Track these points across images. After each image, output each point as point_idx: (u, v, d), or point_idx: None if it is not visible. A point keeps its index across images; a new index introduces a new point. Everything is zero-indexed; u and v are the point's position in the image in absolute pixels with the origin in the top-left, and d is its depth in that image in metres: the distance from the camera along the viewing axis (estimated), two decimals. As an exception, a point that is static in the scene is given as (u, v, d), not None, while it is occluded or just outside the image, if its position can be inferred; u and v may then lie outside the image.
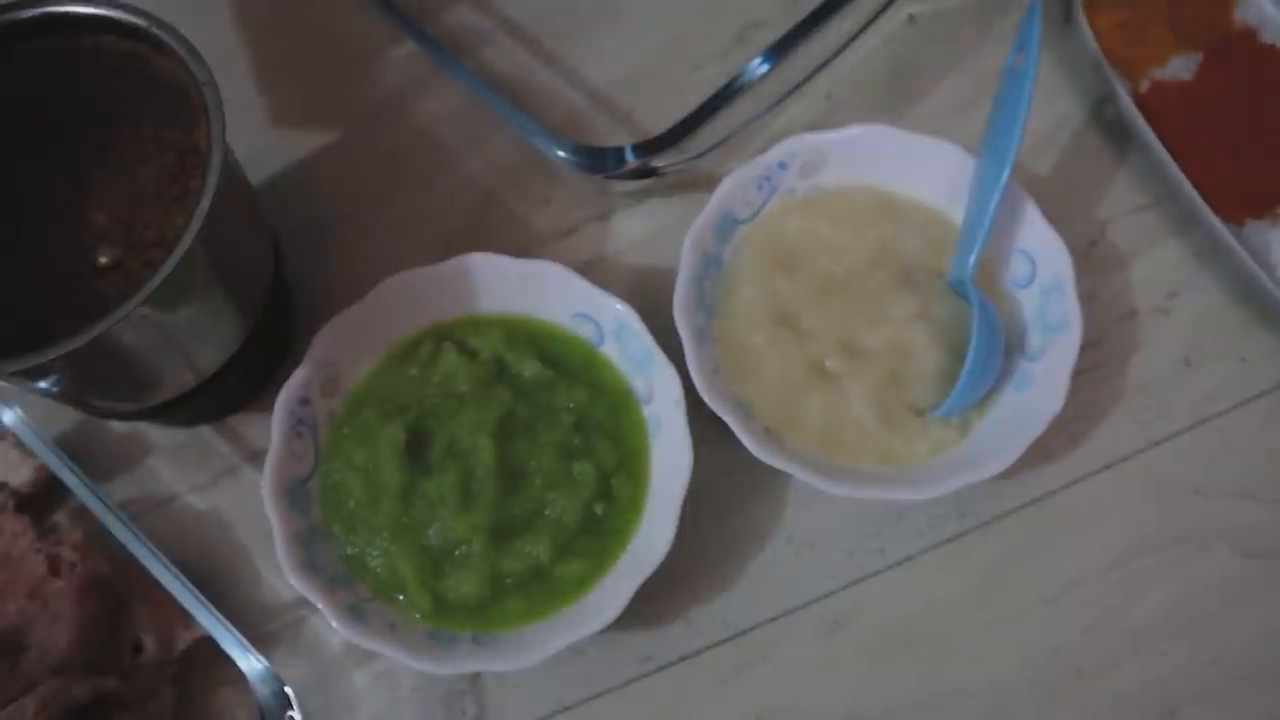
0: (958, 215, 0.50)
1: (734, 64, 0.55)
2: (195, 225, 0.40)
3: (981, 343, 0.46)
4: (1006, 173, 0.46)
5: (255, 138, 0.56)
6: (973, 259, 0.47)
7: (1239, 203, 0.52)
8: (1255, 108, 0.54)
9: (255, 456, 0.52)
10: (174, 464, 0.52)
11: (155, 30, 0.43)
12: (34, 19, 0.44)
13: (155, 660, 0.46)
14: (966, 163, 0.49)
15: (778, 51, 0.52)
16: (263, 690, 0.42)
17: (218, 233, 0.42)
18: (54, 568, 0.46)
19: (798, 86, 0.55)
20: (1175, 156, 0.51)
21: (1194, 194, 0.51)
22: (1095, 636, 0.47)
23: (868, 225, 0.50)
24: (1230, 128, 0.54)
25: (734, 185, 0.49)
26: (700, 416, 0.46)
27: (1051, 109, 0.56)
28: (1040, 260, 0.49)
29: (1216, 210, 0.51)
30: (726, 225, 0.49)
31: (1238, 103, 0.54)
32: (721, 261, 0.49)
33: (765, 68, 0.51)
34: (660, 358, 0.46)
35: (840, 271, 0.49)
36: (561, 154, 0.49)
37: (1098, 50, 0.54)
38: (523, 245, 0.54)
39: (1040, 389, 0.47)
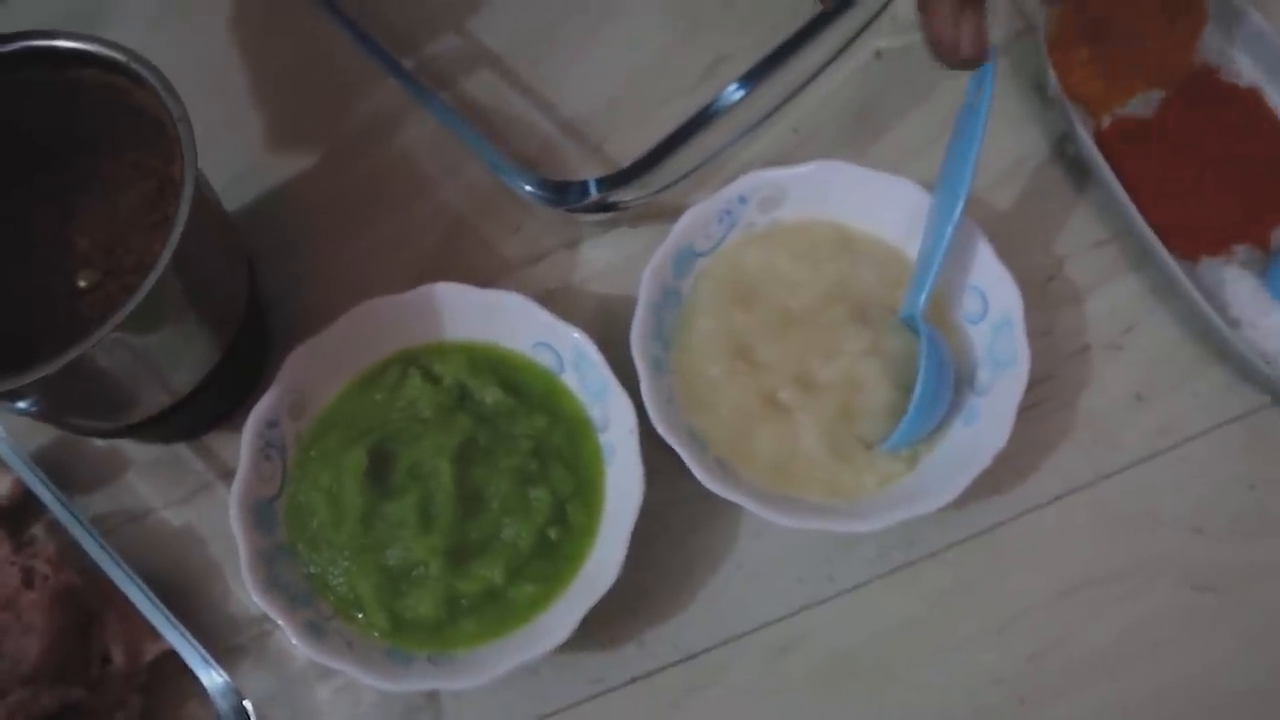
0: (914, 251, 0.51)
1: (704, 97, 0.56)
2: (168, 254, 0.42)
3: (929, 378, 0.47)
4: (959, 210, 0.47)
5: (237, 161, 0.58)
6: (924, 295, 0.48)
7: (1194, 240, 0.53)
8: (1213, 146, 0.55)
9: (229, 474, 0.53)
10: (150, 480, 0.53)
11: (134, 65, 0.44)
12: (17, 52, 0.46)
13: (123, 671, 0.47)
14: (923, 199, 0.50)
15: (745, 84, 0.53)
16: (223, 705, 0.43)
17: (192, 259, 0.44)
18: (28, 580, 0.47)
19: (763, 120, 0.56)
20: (1132, 193, 0.52)
21: (1148, 231, 0.51)
22: (1040, 666, 0.48)
23: (825, 260, 0.51)
24: (1188, 166, 0.54)
25: (694, 218, 0.51)
26: (657, 445, 0.47)
27: (1014, 144, 0.57)
28: (992, 297, 0.50)
29: (1171, 247, 0.52)
30: (686, 258, 0.51)
31: (1196, 141, 0.55)
32: (680, 293, 0.51)
33: (732, 100, 0.53)
34: (616, 387, 0.48)
35: (797, 306, 0.50)
36: (528, 187, 0.50)
37: (1059, 87, 0.55)
38: (492, 272, 0.56)
39: (987, 424, 0.48)
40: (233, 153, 0.58)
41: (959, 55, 0.40)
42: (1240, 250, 0.53)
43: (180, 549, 0.52)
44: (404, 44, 0.60)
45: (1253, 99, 0.56)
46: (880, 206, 0.52)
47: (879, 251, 0.52)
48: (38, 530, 0.51)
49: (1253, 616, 0.48)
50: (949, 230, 0.48)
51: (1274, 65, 0.55)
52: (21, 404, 0.46)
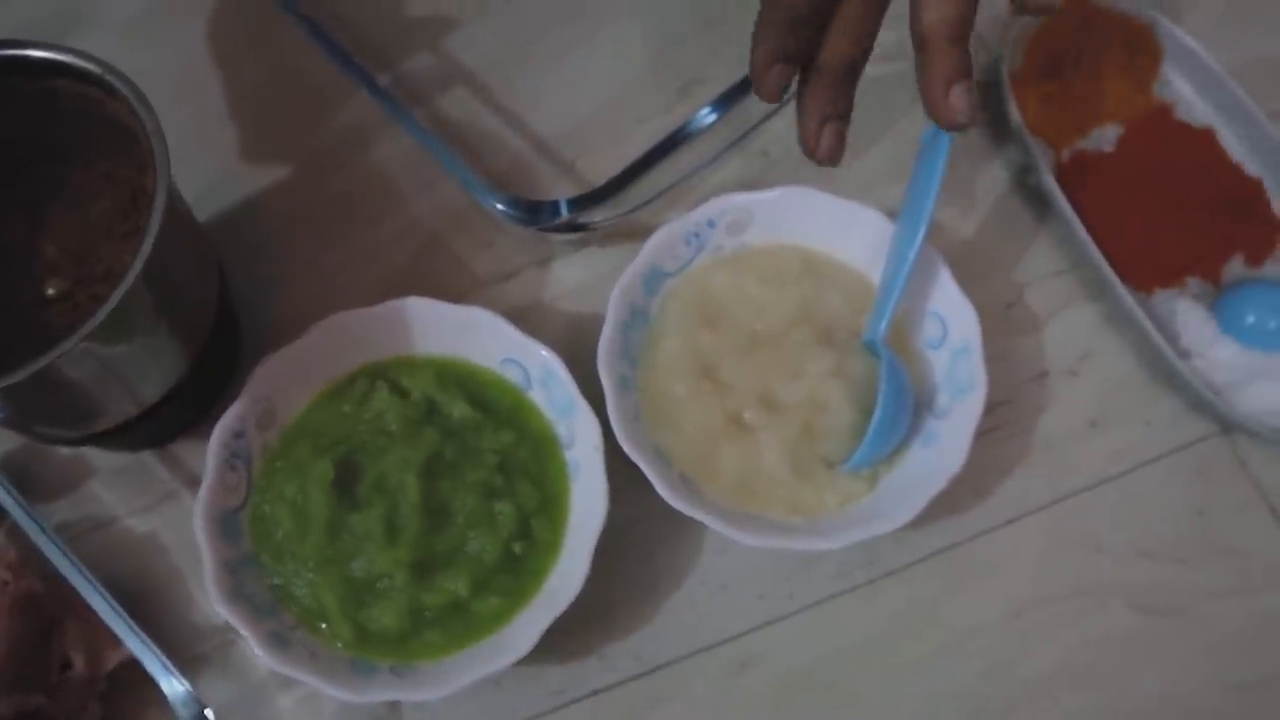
0: (878, 276, 0.52)
1: (677, 119, 0.57)
2: (138, 264, 0.42)
3: (888, 401, 0.48)
4: (920, 238, 0.49)
5: (209, 171, 0.58)
6: (884, 321, 0.49)
7: (1149, 272, 0.55)
8: (1169, 182, 0.56)
9: (195, 482, 0.53)
10: (115, 487, 0.53)
11: (107, 77, 0.45)
12: (-10, 62, 0.46)
13: (83, 678, 0.47)
14: (887, 227, 0.52)
15: (717, 108, 0.54)
16: (184, 714, 0.44)
17: (163, 272, 0.44)
18: (-11, 586, 0.47)
19: (735, 144, 0.57)
20: (1090, 225, 0.54)
21: (1104, 263, 0.53)
22: (992, 683, 0.49)
23: (791, 283, 0.52)
24: (1145, 199, 0.56)
25: (663, 239, 0.51)
26: (622, 462, 0.48)
27: (977, 175, 0.58)
28: (951, 323, 0.51)
29: (1126, 279, 0.53)
30: (654, 278, 0.52)
31: (1153, 176, 0.56)
32: (648, 313, 0.52)
33: (704, 124, 0.54)
34: (582, 404, 0.48)
35: (762, 328, 0.51)
36: (500, 206, 0.51)
37: (1021, 121, 0.56)
38: (463, 288, 0.56)
39: (945, 447, 0.49)
40: (205, 163, 0.58)
41: (816, 159, 0.44)
42: (1192, 283, 0.55)
43: (144, 557, 0.52)
44: (379, 60, 0.60)
45: (1206, 138, 0.57)
46: (846, 232, 0.53)
47: (844, 276, 0.53)
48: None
49: (1196, 639, 0.50)
50: (910, 257, 0.49)
51: (1227, 106, 0.57)
52: (-15, 410, 0.46)
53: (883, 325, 0.49)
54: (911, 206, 0.49)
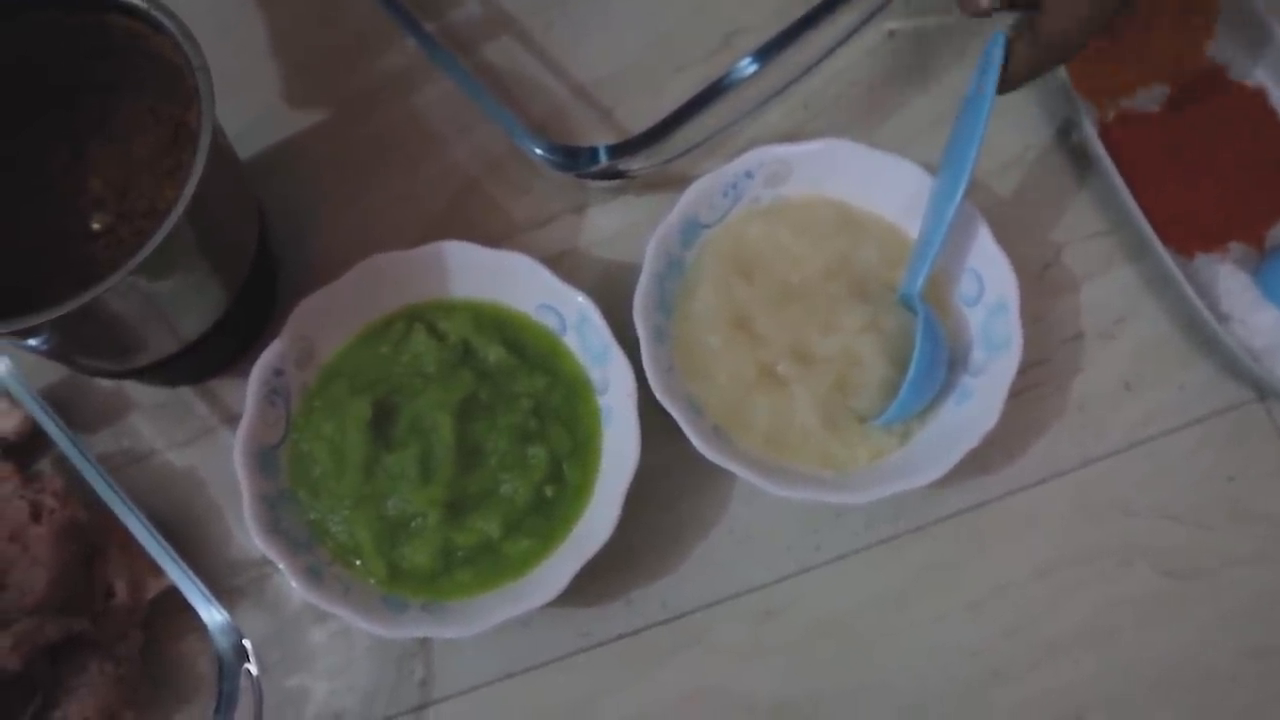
0: (914, 230, 0.52)
1: (717, 68, 0.57)
2: (183, 203, 0.43)
3: (924, 356, 0.48)
4: (961, 192, 0.48)
5: (251, 111, 0.58)
6: (922, 275, 0.49)
7: (1190, 235, 0.54)
8: (1215, 144, 0.56)
9: (232, 419, 0.54)
10: (154, 422, 0.54)
11: (154, 12, 0.45)
12: (43, -8, 0.46)
13: (125, 606, 0.49)
14: (925, 180, 0.51)
15: (758, 58, 0.54)
16: (222, 641, 0.45)
17: (205, 209, 0.44)
18: (35, 513, 0.48)
19: (775, 95, 0.57)
20: (1133, 186, 0.53)
21: (1146, 225, 0.52)
22: (1014, 641, 0.50)
23: (827, 236, 0.52)
24: (1189, 162, 0.55)
25: (701, 191, 0.51)
26: (654, 410, 0.48)
27: (1019, 132, 0.58)
28: (988, 280, 0.51)
29: (1168, 241, 0.53)
30: (691, 229, 0.52)
31: (1199, 138, 0.56)
32: (684, 264, 0.52)
33: (745, 74, 0.53)
34: (617, 351, 0.49)
35: (797, 280, 0.51)
36: (539, 151, 0.51)
37: (1066, 78, 0.55)
38: (500, 233, 0.56)
39: (979, 404, 0.49)
40: (245, 101, 0.58)
41: (976, 6, 0.44)
42: (1235, 248, 0.54)
43: (182, 491, 0.54)
44: (423, 7, 0.60)
45: (1258, 99, 0.56)
46: (883, 186, 0.53)
47: (880, 230, 0.53)
48: (44, 465, 0.52)
49: (1219, 603, 0.50)
50: (950, 212, 0.48)
51: (1280, 66, 0.56)
52: (33, 341, 0.47)
53: (920, 280, 0.49)
54: (952, 161, 0.49)
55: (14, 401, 0.52)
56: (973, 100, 0.49)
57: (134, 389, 0.55)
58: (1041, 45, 0.45)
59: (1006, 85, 0.47)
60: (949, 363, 0.50)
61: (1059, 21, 0.43)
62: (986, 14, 0.45)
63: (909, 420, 0.50)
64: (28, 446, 0.53)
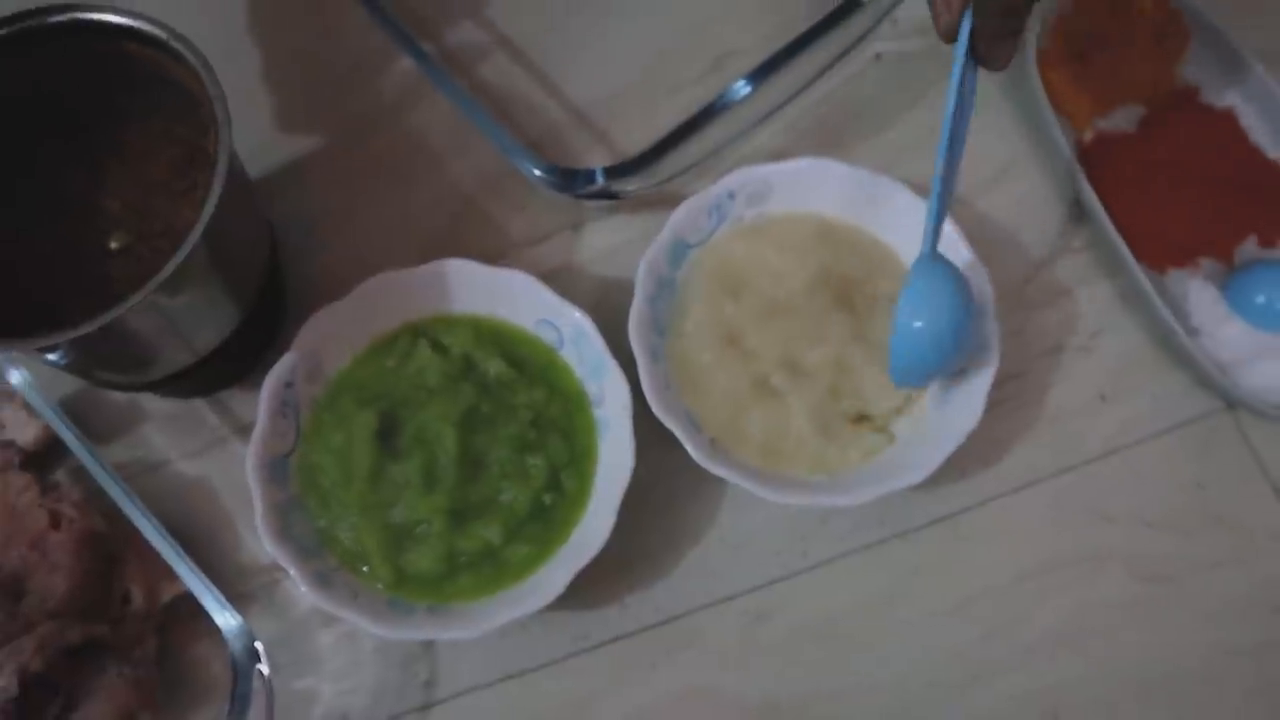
0: (892, 240, 0.54)
1: (709, 90, 0.59)
2: (201, 224, 0.45)
3: (907, 305, 0.48)
4: (942, 153, 0.47)
5: (257, 133, 0.60)
6: (929, 238, 0.49)
7: (1163, 252, 0.56)
8: (1187, 163, 0.58)
9: (242, 430, 0.56)
10: (167, 432, 0.56)
11: (174, 43, 0.47)
12: (65, 23, 0.48)
13: (142, 611, 0.51)
14: (899, 192, 0.54)
15: (751, 81, 0.56)
16: (236, 644, 0.47)
17: (221, 229, 0.46)
18: (55, 522, 0.50)
19: (767, 116, 0.59)
20: (1108, 204, 0.56)
21: (1121, 241, 0.55)
22: (993, 644, 0.52)
23: (809, 251, 0.54)
24: (1163, 180, 0.57)
25: (686, 213, 0.54)
26: (648, 420, 0.50)
27: (1000, 151, 0.60)
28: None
29: (1140, 257, 0.55)
30: (679, 250, 0.54)
31: (1172, 158, 0.58)
32: (674, 284, 0.54)
33: (739, 96, 0.55)
34: (612, 366, 0.51)
35: (783, 295, 0.54)
36: (536, 172, 0.53)
37: (1045, 100, 0.58)
38: (498, 250, 0.58)
39: (960, 405, 0.51)
40: (251, 124, 0.60)
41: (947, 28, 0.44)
42: (1205, 263, 0.56)
43: (194, 499, 0.55)
44: (421, 28, 0.62)
45: (1228, 121, 0.59)
46: (861, 200, 0.55)
47: (859, 242, 0.55)
48: (61, 475, 0.54)
49: (1191, 605, 0.52)
50: (939, 169, 0.47)
51: (1249, 88, 0.58)
52: (53, 356, 0.49)
53: (927, 243, 0.49)
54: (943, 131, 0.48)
55: (32, 413, 0.54)
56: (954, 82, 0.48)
57: (147, 400, 0.57)
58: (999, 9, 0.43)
59: (983, 60, 0.45)
60: (971, 318, 0.49)
61: None
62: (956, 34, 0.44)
63: (933, 376, 0.50)
64: (45, 457, 0.55)
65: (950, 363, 0.50)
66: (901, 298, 0.48)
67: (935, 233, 0.49)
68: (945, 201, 0.48)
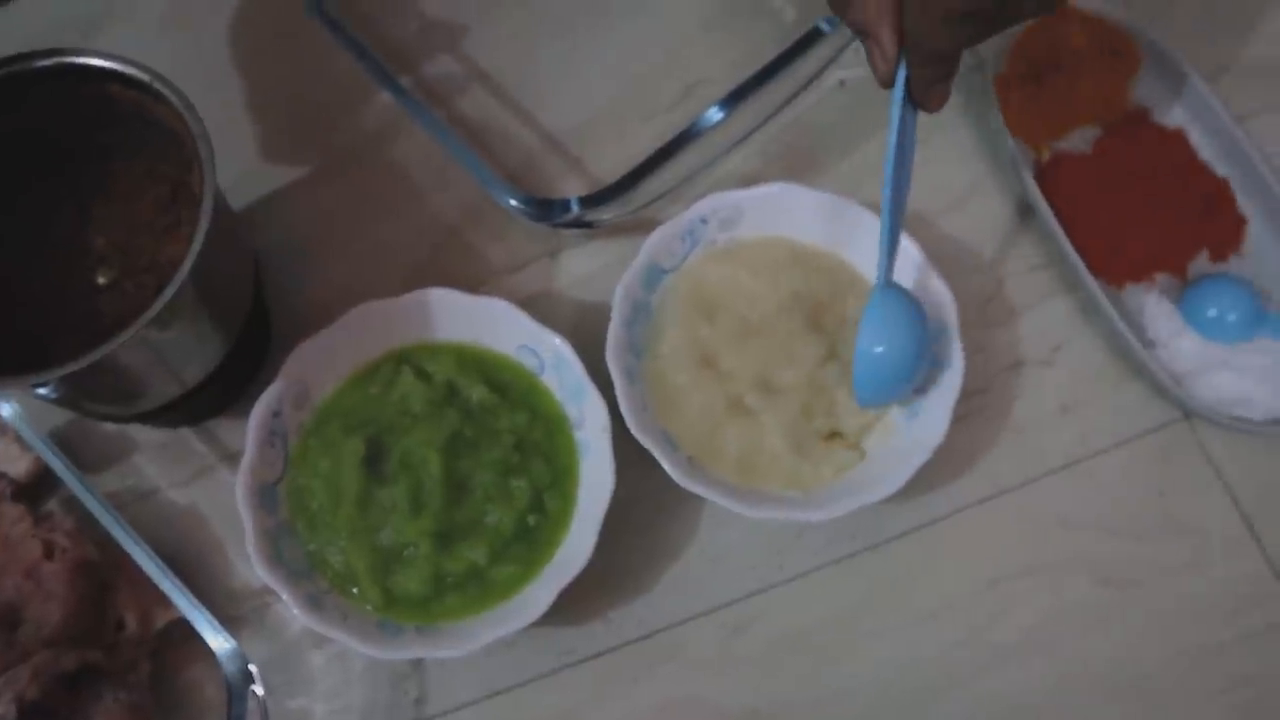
0: (860, 263, 0.56)
1: (680, 116, 0.61)
2: (190, 261, 0.46)
3: (868, 331, 0.51)
4: (889, 178, 0.49)
5: (240, 164, 0.62)
6: (883, 264, 0.51)
7: (1120, 268, 0.59)
8: (1141, 182, 0.60)
9: (229, 457, 0.57)
10: (156, 461, 0.58)
11: (157, 84, 0.48)
12: (49, 68, 0.49)
13: (135, 637, 0.52)
14: (865, 216, 0.56)
15: (724, 107, 0.57)
16: (230, 667, 0.48)
17: (208, 265, 0.48)
18: (48, 551, 0.51)
19: (738, 143, 0.61)
20: (1066, 222, 0.58)
21: (1078, 258, 0.57)
22: (965, 650, 0.54)
23: (780, 273, 0.56)
24: (1118, 199, 0.59)
25: (660, 238, 0.56)
26: (628, 441, 0.52)
27: (962, 173, 0.62)
28: (929, 305, 0.54)
29: (1098, 274, 0.57)
30: (653, 275, 0.56)
31: (1126, 177, 0.60)
32: (650, 308, 0.56)
33: (712, 123, 0.57)
34: (591, 389, 0.53)
35: (756, 317, 0.55)
36: (513, 202, 0.55)
37: (1003, 123, 0.60)
38: (478, 277, 0.60)
39: (927, 420, 0.53)
40: (232, 157, 0.60)
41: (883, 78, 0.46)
42: (1160, 278, 0.58)
43: (184, 526, 0.57)
44: (399, 62, 0.64)
45: (1178, 140, 0.61)
46: (829, 224, 0.57)
47: (829, 265, 0.57)
48: (53, 505, 0.56)
49: (1153, 609, 0.54)
50: (888, 195, 0.49)
51: (1198, 109, 0.61)
52: (43, 390, 0.50)
53: (881, 273, 0.52)
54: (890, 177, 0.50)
55: (23, 445, 0.55)
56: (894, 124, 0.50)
57: (136, 430, 0.58)
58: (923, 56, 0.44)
59: (919, 103, 0.46)
60: (928, 338, 0.52)
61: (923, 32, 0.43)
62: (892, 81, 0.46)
63: (895, 400, 0.53)
64: (36, 488, 0.56)
65: (911, 382, 0.53)
66: (861, 325, 0.51)
67: (888, 263, 0.51)
68: (895, 233, 0.51)
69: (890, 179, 0.48)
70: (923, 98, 0.46)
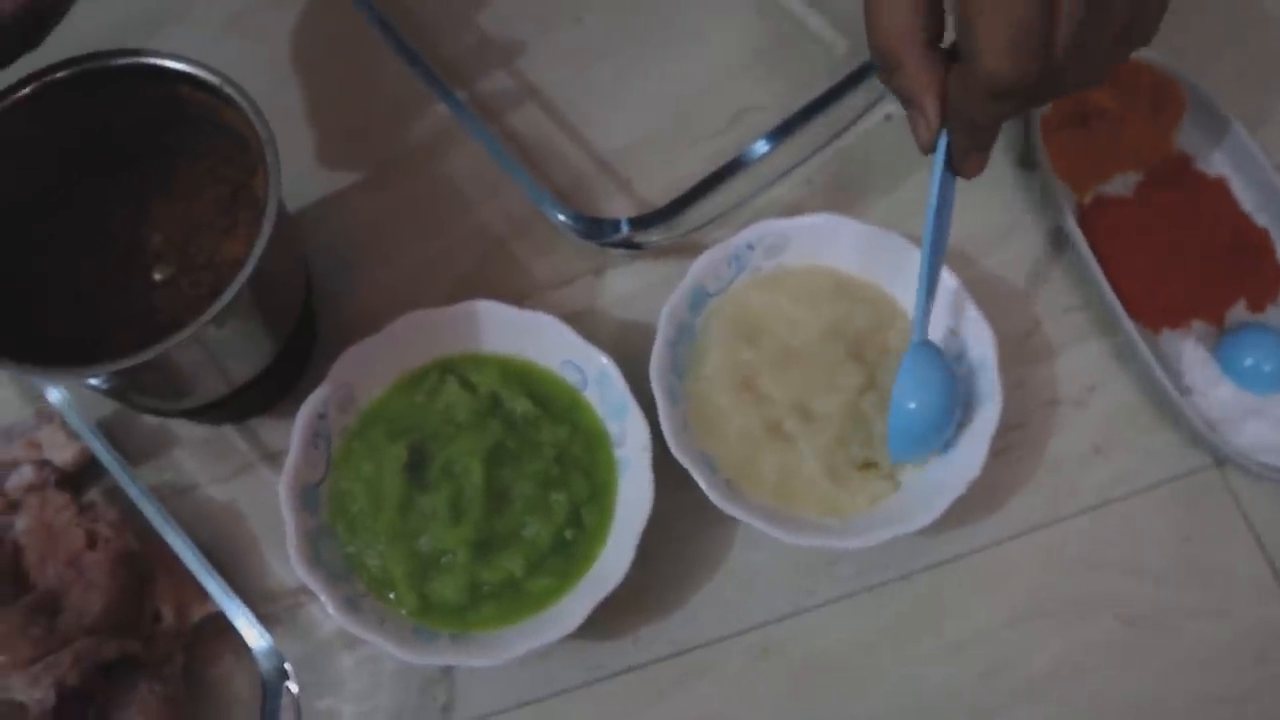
0: (902, 296, 0.57)
1: (728, 142, 0.62)
2: (251, 263, 0.47)
3: (903, 392, 0.52)
4: (929, 236, 0.50)
5: (295, 170, 0.61)
6: (920, 322, 0.53)
7: (1157, 313, 0.59)
8: (1181, 228, 0.61)
9: (270, 457, 0.58)
10: (198, 457, 0.58)
11: (227, 89, 0.49)
12: (124, 67, 0.50)
13: (172, 629, 0.52)
14: (911, 250, 0.56)
15: (771, 139, 0.58)
16: (266, 663, 0.48)
17: (264, 267, 0.48)
18: (91, 541, 0.52)
19: (784, 174, 0.62)
20: (1105, 265, 0.58)
21: (1116, 301, 0.57)
22: (989, 683, 0.54)
23: (823, 302, 0.57)
24: (1158, 244, 0.60)
25: (707, 262, 0.56)
26: (668, 460, 0.53)
27: (1004, 213, 0.63)
28: (970, 342, 0.55)
29: (1135, 317, 0.58)
30: (699, 297, 0.56)
31: (1167, 222, 0.61)
32: (694, 330, 0.56)
33: (759, 154, 0.58)
34: (634, 408, 0.53)
35: (797, 344, 0.56)
36: (564, 219, 0.56)
37: (1049, 166, 0.61)
38: (523, 291, 0.61)
39: (964, 454, 0.54)
40: (288, 163, 0.61)
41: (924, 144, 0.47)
42: (1197, 325, 0.59)
43: (222, 523, 0.57)
44: (453, 76, 0.65)
45: (1219, 188, 0.62)
46: (873, 256, 0.58)
47: (872, 296, 0.58)
48: (95, 495, 0.56)
49: (1175, 652, 0.54)
50: (927, 254, 0.51)
51: (1240, 158, 0.61)
52: (95, 381, 0.50)
53: (919, 327, 0.53)
54: (929, 234, 0.51)
55: (70, 434, 0.56)
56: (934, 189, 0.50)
57: (179, 425, 0.59)
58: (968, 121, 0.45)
59: (958, 170, 0.47)
60: (959, 400, 0.54)
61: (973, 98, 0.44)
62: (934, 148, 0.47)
63: (920, 457, 0.54)
64: (80, 477, 0.56)
65: (941, 438, 0.54)
66: (896, 383, 0.52)
67: (924, 322, 0.53)
68: (933, 288, 0.52)
69: (930, 239, 0.50)
70: (961, 165, 0.47)
